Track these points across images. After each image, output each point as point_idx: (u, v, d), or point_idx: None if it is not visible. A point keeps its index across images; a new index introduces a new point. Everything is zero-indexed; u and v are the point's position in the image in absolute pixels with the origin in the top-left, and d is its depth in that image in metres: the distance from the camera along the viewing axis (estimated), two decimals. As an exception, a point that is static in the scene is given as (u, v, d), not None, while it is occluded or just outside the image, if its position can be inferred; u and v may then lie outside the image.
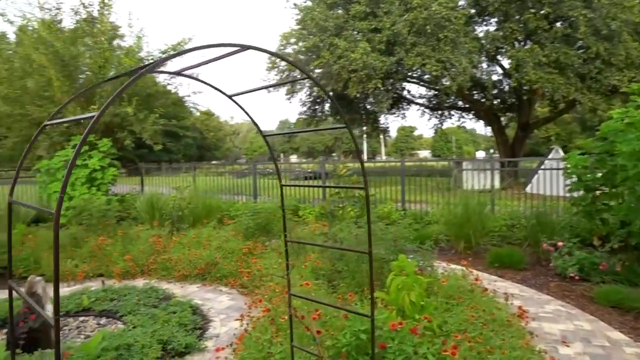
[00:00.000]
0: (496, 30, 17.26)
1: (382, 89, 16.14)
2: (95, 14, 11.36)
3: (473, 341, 3.29)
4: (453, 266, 6.10)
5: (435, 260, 5.52)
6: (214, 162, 32.15)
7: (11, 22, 10.86)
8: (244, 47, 1.85)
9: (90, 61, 11.20)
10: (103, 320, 5.22)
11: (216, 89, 2.51)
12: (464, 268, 5.09)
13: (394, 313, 3.55)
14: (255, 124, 2.70)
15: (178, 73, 2.17)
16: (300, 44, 18.84)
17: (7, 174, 12.77)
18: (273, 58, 21.84)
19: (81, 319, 5.30)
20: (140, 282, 6.61)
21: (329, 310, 3.66)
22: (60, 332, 4.96)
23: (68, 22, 13.18)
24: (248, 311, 4.49)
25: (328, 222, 6.67)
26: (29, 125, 11.72)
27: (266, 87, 2.26)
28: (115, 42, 12.05)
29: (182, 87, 14.70)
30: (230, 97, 2.48)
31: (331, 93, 19.64)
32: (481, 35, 17.86)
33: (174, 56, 1.90)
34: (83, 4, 11.54)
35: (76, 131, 11.84)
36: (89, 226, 7.85)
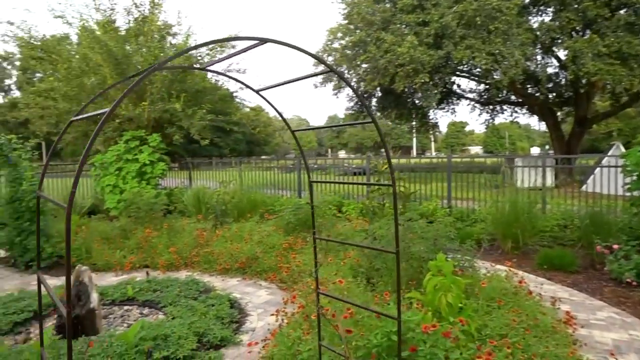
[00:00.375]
0: (552, 20, 16.43)
1: (429, 83, 15.75)
2: (147, 13, 11.72)
3: (512, 347, 3.12)
4: (498, 267, 5.87)
5: (478, 260, 5.32)
6: (263, 157, 32.53)
7: (70, 24, 11.36)
8: (263, 40, 1.81)
9: (142, 59, 11.56)
10: (146, 310, 5.37)
11: (243, 83, 2.48)
12: (508, 269, 4.86)
13: (429, 314, 3.42)
14: (283, 118, 2.66)
15: (192, 68, 2.15)
16: (347, 38, 18.69)
17: (64, 168, 13.48)
18: (319, 53, 21.83)
19: (125, 308, 5.47)
20: (183, 274, 6.77)
21: (362, 309, 3.58)
22: (106, 319, 5.16)
23: (121, 22, 13.61)
24: (284, 307, 4.48)
25: (368, 218, 6.57)
26: (85, 122, 12.27)
27: (289, 82, 2.21)
28: (165, 40, 12.38)
29: (230, 83, 15.03)
30: (257, 91, 2.45)
31: (378, 88, 19.41)
32: (535, 26, 17.05)
33: (182, 53, 1.88)
34: (135, 4, 11.92)
35: (128, 127, 12.29)
36: (137, 219, 8.12)
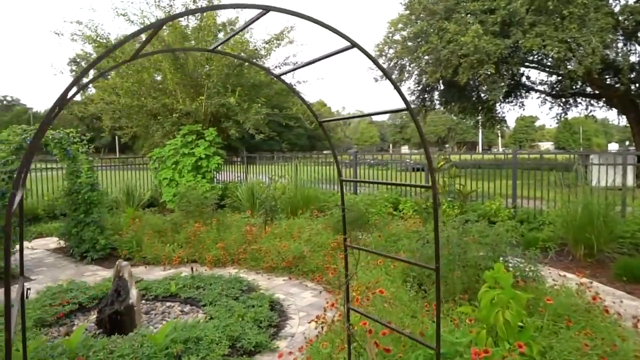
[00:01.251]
0: (637, 2, 14.94)
1: (495, 75, 14.80)
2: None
3: (583, 380, 2.63)
4: (569, 276, 5.23)
5: (545, 267, 4.75)
6: (324, 152, 32.42)
7: (132, 22, 11.63)
8: (265, 8, 1.49)
9: (198, 54, 11.61)
10: (187, 308, 5.26)
11: (262, 67, 2.17)
12: (579, 281, 4.26)
13: (483, 333, 2.98)
14: (308, 106, 2.33)
15: (194, 49, 1.85)
16: (408, 29, 18.03)
17: (125, 161, 13.91)
18: (381, 46, 21.27)
19: (168, 304, 5.39)
20: (229, 271, 6.64)
21: (404, 322, 3.20)
22: (147, 315, 5.08)
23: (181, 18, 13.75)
24: (324, 313, 4.17)
25: (422, 219, 6.11)
26: (145, 116, 12.55)
27: (308, 64, 1.88)
28: (220, 35, 12.40)
29: (286, 77, 14.83)
30: (277, 76, 2.14)
31: (440, 80, 18.60)
32: (617, 9, 15.59)
33: (150, 31, 1.59)
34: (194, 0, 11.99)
35: (186, 121, 12.44)
36: (187, 212, 8.10)
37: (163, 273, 6.61)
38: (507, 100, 22.79)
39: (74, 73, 18.85)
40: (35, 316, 4.62)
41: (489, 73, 14.44)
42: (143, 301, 5.47)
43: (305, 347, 3.53)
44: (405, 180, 12.04)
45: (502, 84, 15.33)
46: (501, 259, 4.05)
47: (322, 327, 3.85)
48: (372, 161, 14.26)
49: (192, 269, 6.18)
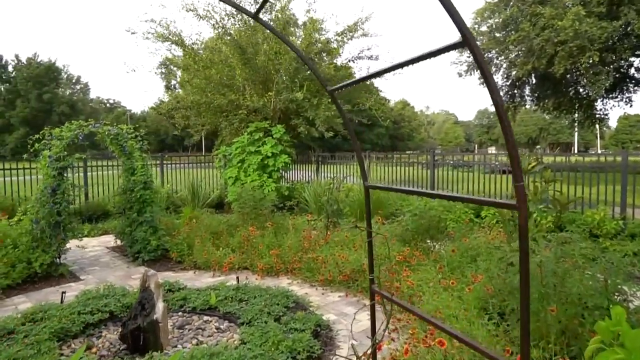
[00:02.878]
0: None
1: (598, 65, 12.86)
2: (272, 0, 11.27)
3: None
4: None
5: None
6: (407, 152, 31.19)
7: (200, 17, 11.39)
8: None
9: (267, 47, 11.13)
10: (224, 325, 4.63)
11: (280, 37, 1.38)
12: None
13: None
14: (316, 73, 1.51)
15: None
16: (496, 18, 16.44)
17: (196, 159, 13.80)
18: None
19: (205, 318, 4.80)
20: (281, 282, 5.97)
21: None
22: (180, 331, 4.50)
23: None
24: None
25: (506, 232, 5.03)
26: (214, 113, 12.31)
27: (400, 67, 1.07)
28: (289, 25, 11.84)
29: (361, 72, 13.90)
30: (330, 92, 1.32)
31: (532, 73, 16.79)
32: None
33: None
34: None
35: (254, 118, 12.02)
36: (243, 215, 7.56)
37: (211, 280, 6.07)
38: (610, 95, 20.22)
39: (162, 75, 19.23)
40: (57, 326, 4.19)
41: (591, 62, 12.56)
42: (180, 313, 4.93)
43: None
44: (489, 184, 10.70)
45: (606, 75, 13.31)
46: (617, 296, 2.96)
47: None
48: (452, 162, 13.02)
49: (237, 278, 5.56)
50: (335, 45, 12.18)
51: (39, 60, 63.68)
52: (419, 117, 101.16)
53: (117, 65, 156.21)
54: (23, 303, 5.33)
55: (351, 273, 5.68)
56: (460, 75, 21.78)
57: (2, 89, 62.30)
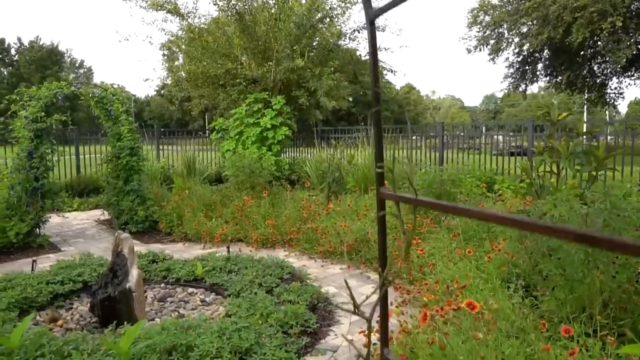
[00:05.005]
0: None
1: (620, 31, 12.00)
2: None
3: None
4: None
5: None
6: (413, 137, 30.64)
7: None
8: None
9: (267, 14, 10.49)
10: (210, 297, 4.13)
11: None
12: None
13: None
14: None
15: None
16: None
17: (195, 135, 13.24)
18: (475, 12, 18.95)
19: (190, 290, 4.30)
20: (279, 253, 5.46)
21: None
22: (160, 303, 4.00)
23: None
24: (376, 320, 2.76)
25: (532, 195, 4.45)
26: (211, 85, 11.71)
27: None
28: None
29: (366, 43, 13.19)
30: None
31: (546, 46, 16.00)
32: None
33: None
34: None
35: (253, 89, 11.42)
36: (237, 184, 7.01)
37: (201, 252, 5.54)
38: (626, 73, 19.37)
39: (165, 58, 18.52)
40: (20, 296, 3.68)
41: (614, 29, 11.75)
42: (162, 285, 4.42)
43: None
44: (499, 165, 10.09)
45: (628, 45, 12.48)
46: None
47: (376, 344, 2.48)
48: (465, 145, 12.43)
49: (227, 248, 5.03)
50: (339, 12, 11.48)
51: (41, 43, 62.93)
52: (425, 102, 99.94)
53: (121, 49, 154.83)
54: (-9, 273, 4.82)
55: (354, 243, 5.14)
56: (469, 51, 20.93)
57: (5, 72, 61.69)
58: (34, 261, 4.61)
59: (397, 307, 3.01)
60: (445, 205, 0.74)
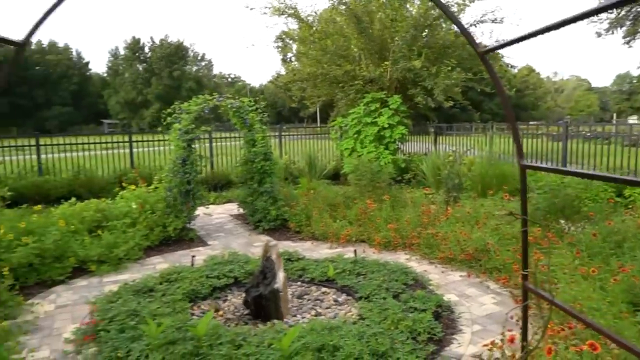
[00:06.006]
0: None
1: None
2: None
3: None
4: None
5: None
6: (531, 122, 29.04)
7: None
8: None
9: (383, 15, 10.75)
10: (342, 297, 4.62)
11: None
12: None
13: None
14: (465, 32, 1.27)
15: None
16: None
17: (312, 130, 14.00)
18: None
19: (323, 290, 4.83)
20: (399, 257, 5.82)
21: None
22: (299, 300, 4.57)
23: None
24: (500, 336, 3.02)
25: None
26: (330, 84, 12.29)
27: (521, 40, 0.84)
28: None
29: (483, 37, 12.83)
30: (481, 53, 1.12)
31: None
32: None
33: None
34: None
35: (370, 89, 11.80)
36: (360, 187, 7.47)
37: (329, 251, 6.10)
38: None
39: (279, 49, 19.62)
40: (189, 288, 4.49)
41: None
42: (298, 283, 5.02)
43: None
44: (631, 159, 9.39)
45: None
46: None
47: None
48: (588, 134, 11.68)
49: (355, 252, 5.51)
50: (455, 10, 11.37)
51: (169, 40, 69.01)
52: (545, 85, 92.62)
53: (237, 41, 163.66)
54: (160, 263, 5.81)
55: (474, 252, 5.33)
56: (599, 35, 19.27)
57: (140, 68, 68.73)
58: (193, 256, 5.49)
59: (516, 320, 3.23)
60: (565, 171, 1.06)
